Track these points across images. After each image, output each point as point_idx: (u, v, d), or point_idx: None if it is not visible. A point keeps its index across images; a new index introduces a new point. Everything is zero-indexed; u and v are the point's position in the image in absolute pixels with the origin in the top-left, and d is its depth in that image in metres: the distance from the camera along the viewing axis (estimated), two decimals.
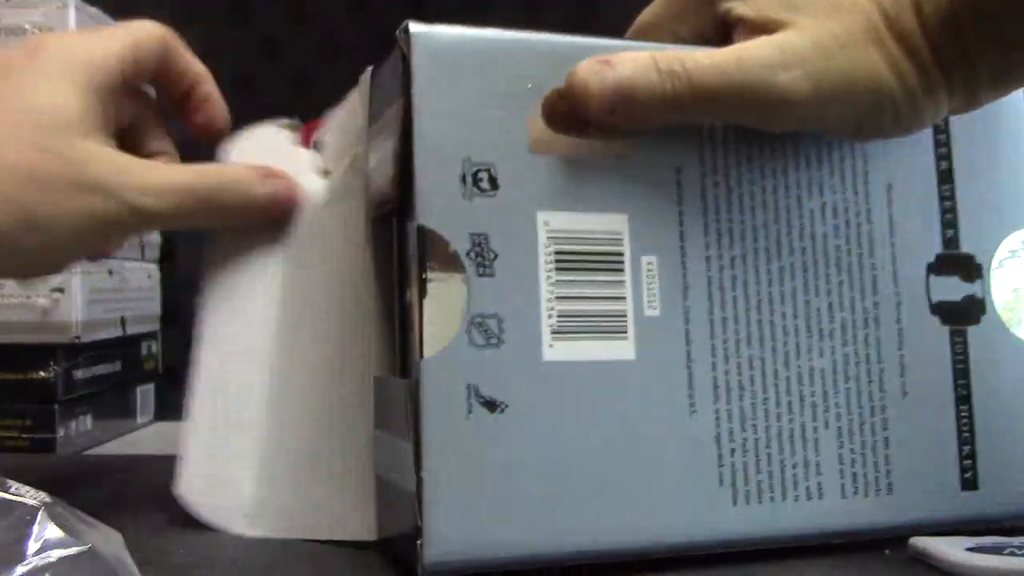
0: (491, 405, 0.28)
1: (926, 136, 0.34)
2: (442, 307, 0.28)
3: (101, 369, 0.57)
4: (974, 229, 0.34)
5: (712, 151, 0.31)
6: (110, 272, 0.55)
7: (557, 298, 0.29)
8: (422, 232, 0.28)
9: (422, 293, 0.27)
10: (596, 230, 0.29)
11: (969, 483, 0.33)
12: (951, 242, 0.33)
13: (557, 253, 0.29)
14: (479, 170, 0.28)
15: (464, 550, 0.27)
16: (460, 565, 0.27)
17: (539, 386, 0.28)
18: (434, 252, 0.28)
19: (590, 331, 0.29)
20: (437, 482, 0.27)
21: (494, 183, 0.28)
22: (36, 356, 0.52)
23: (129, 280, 0.58)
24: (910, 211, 0.33)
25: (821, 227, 0.32)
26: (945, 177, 0.34)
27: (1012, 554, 0.29)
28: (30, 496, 0.26)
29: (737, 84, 0.28)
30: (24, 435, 0.53)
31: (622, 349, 0.29)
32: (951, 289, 0.33)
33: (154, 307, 0.64)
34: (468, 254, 0.28)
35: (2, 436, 0.53)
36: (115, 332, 0.57)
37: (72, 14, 0.51)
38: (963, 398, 0.33)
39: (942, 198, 0.34)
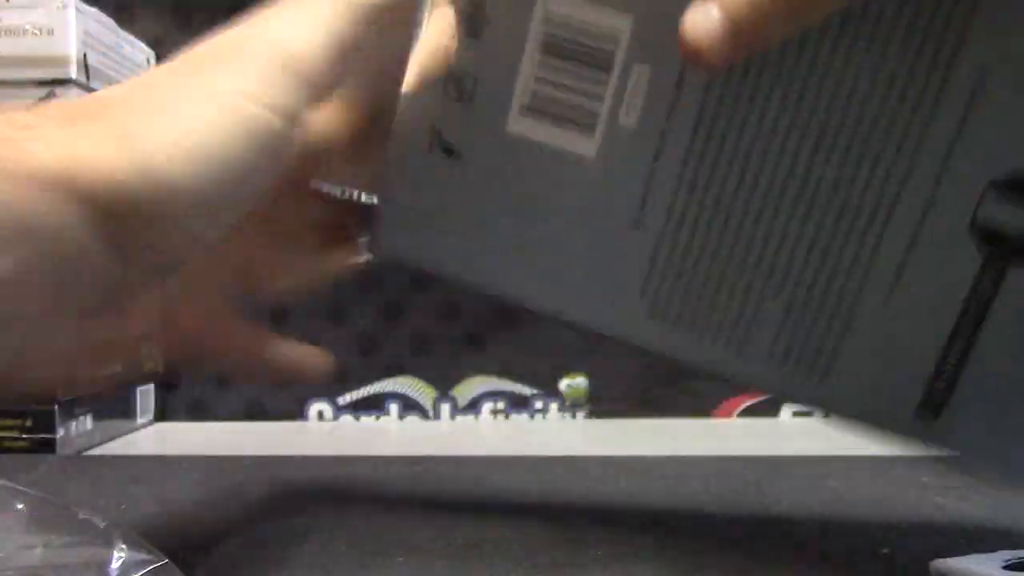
0: (448, 151, 0.30)
1: None
2: (428, 54, 0.30)
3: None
4: None
5: None
6: None
7: (536, 78, 0.29)
8: None
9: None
10: (595, 23, 0.28)
11: (929, 408, 0.30)
12: None
13: (547, 34, 0.29)
14: None
15: (404, 247, 0.32)
16: (400, 255, 0.32)
17: (495, 151, 0.30)
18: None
19: (558, 118, 0.29)
20: (395, 185, 0.31)
21: None
22: None
23: None
24: (998, 107, 0.26)
25: (865, 88, 0.27)
26: None
27: None
28: (98, 520, 0.26)
29: None
30: (24, 435, 0.53)
31: (584, 145, 0.29)
32: (1009, 216, 0.27)
33: None
34: (462, 12, 0.29)
35: (2, 436, 0.53)
36: None
37: (72, 14, 0.51)
38: (965, 329, 0.28)
39: None
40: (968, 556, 0.28)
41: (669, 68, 0.28)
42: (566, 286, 0.31)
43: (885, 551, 0.32)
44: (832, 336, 0.29)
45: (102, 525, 0.26)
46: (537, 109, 0.29)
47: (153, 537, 0.34)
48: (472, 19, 0.29)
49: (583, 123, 0.29)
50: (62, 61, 0.51)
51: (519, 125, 0.29)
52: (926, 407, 0.30)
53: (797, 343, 0.29)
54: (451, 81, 0.30)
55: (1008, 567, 0.27)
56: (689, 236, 0.29)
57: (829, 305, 0.29)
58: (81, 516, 0.27)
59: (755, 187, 0.28)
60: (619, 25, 0.28)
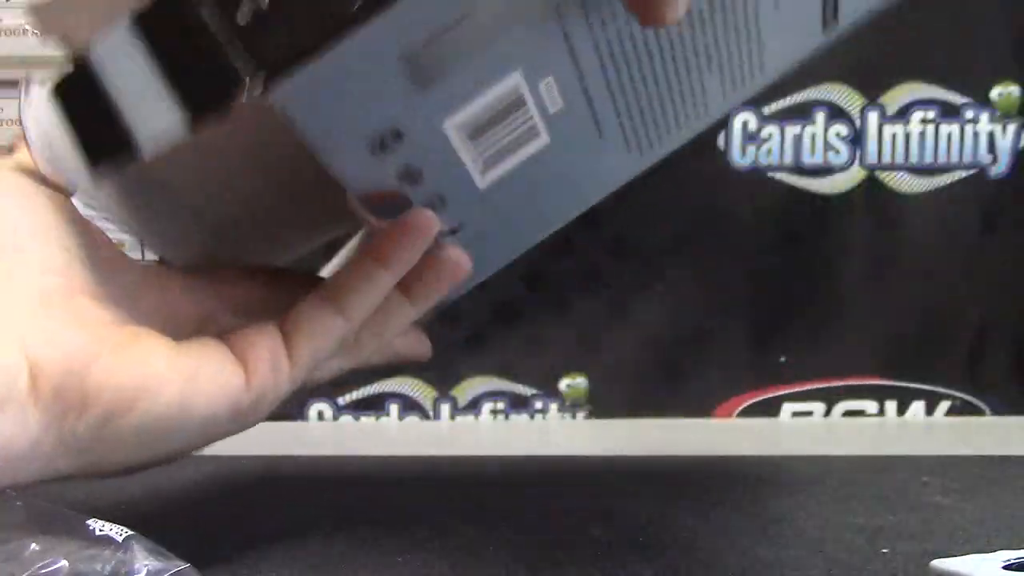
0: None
1: None
2: None
3: None
4: None
5: None
6: None
7: (479, 152, 0.32)
8: None
9: None
10: (494, 98, 0.31)
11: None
12: None
13: (466, 131, 0.31)
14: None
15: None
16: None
17: (481, 206, 0.33)
18: None
19: (511, 150, 0.32)
20: None
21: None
22: None
23: None
24: None
25: None
26: None
27: None
28: (115, 531, 0.27)
29: None
30: None
31: (539, 142, 0.33)
32: None
33: None
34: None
35: None
36: None
37: None
38: None
39: None
40: (968, 556, 0.28)
41: (563, 63, 0.31)
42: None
43: (885, 551, 0.32)
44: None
45: (121, 537, 0.27)
46: (492, 162, 0.32)
47: (153, 537, 0.34)
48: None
49: (530, 135, 0.32)
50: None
51: (486, 179, 0.32)
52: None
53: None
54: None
55: (1008, 567, 0.27)
56: (625, 105, 0.34)
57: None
58: (97, 527, 0.27)
59: (644, 64, 0.33)
60: (511, 82, 0.31)
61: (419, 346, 0.38)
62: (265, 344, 0.30)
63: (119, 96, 0.28)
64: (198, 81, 0.27)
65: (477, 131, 0.31)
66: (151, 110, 0.28)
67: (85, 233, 0.29)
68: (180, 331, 0.30)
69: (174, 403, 0.27)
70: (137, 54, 0.28)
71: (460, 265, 0.34)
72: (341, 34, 0.27)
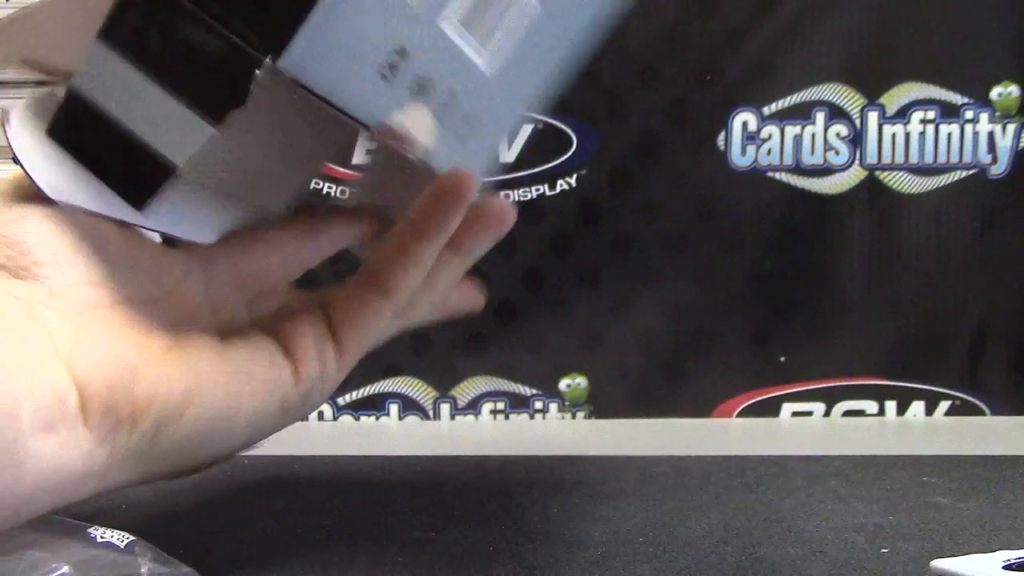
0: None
1: None
2: None
3: None
4: None
5: None
6: None
7: (482, 43, 0.31)
8: None
9: None
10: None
11: None
12: None
13: (467, 27, 0.30)
14: None
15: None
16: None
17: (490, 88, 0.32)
18: None
19: (508, 28, 0.31)
20: None
21: None
22: None
23: None
24: None
25: None
26: None
27: None
28: (117, 538, 0.27)
29: None
30: None
31: (531, 11, 0.32)
32: None
33: None
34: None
35: None
36: None
37: None
38: None
39: None
40: (968, 556, 0.28)
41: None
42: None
43: (885, 551, 0.32)
44: None
45: (123, 544, 0.27)
46: (493, 44, 0.31)
47: (153, 537, 0.34)
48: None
49: (521, 5, 0.31)
50: None
51: (491, 63, 0.31)
52: None
53: None
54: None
55: (1008, 567, 0.27)
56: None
57: None
58: (99, 534, 0.27)
59: None
60: None
61: (473, 297, 0.37)
62: (312, 335, 0.29)
63: (131, 122, 0.27)
64: (206, 79, 0.26)
65: (471, 18, 0.30)
66: (169, 125, 0.27)
67: (111, 236, 0.28)
68: (219, 316, 0.30)
69: (223, 406, 0.27)
70: (130, 71, 0.26)
71: (506, 213, 0.33)
72: None
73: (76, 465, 0.25)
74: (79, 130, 0.27)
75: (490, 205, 0.32)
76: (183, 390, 0.26)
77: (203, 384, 0.27)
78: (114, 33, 0.26)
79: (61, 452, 0.24)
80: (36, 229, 0.27)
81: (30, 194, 0.27)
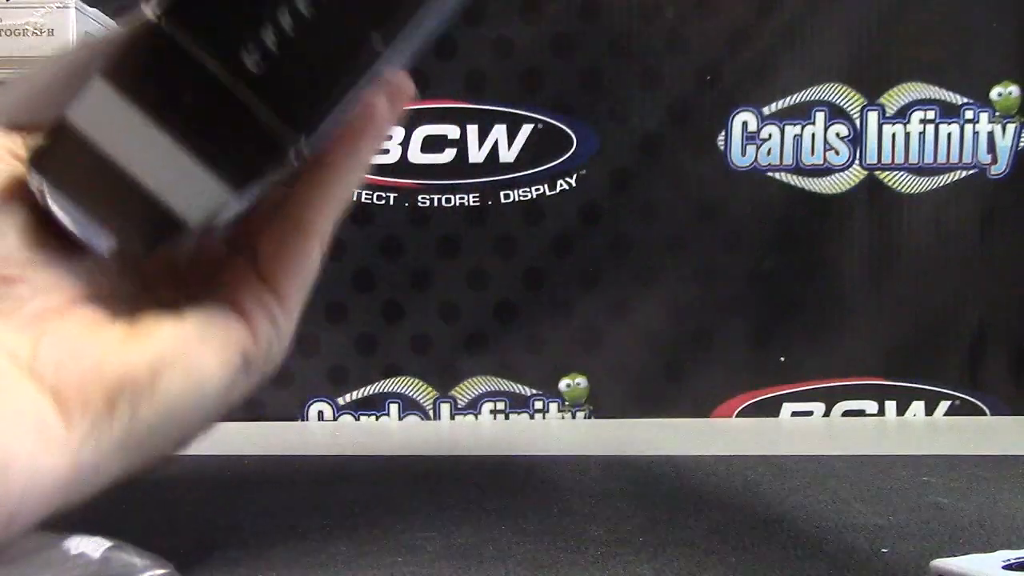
0: None
1: None
2: None
3: None
4: None
5: None
6: None
7: None
8: None
9: None
10: None
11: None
12: None
13: None
14: None
15: None
16: None
17: None
18: None
19: None
20: None
21: None
22: None
23: None
24: None
25: None
26: None
27: None
28: (92, 547, 0.26)
29: None
30: None
31: None
32: None
33: None
34: None
35: None
36: None
37: (72, 14, 0.51)
38: None
39: None
40: (968, 556, 0.28)
41: None
42: None
43: (885, 551, 0.32)
44: None
45: (97, 554, 0.27)
46: None
47: (154, 537, 0.34)
48: None
49: None
50: None
51: None
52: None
53: None
54: None
55: (1008, 567, 0.27)
56: None
57: None
58: (73, 545, 0.27)
59: None
60: None
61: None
62: (251, 293, 0.29)
63: (134, 168, 0.26)
64: (232, 146, 0.26)
65: None
66: (181, 181, 0.26)
67: (50, 243, 0.28)
68: (160, 292, 0.30)
69: (190, 372, 0.27)
70: (143, 125, 0.26)
71: (403, 90, 0.30)
72: (358, 67, 0.25)
73: (63, 469, 0.25)
74: (70, 164, 0.26)
75: (386, 96, 0.30)
76: (147, 365, 0.26)
77: (166, 355, 0.27)
78: (120, 73, 0.25)
79: (46, 459, 0.25)
80: None
81: None
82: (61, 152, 0.26)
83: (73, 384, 0.26)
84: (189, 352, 0.27)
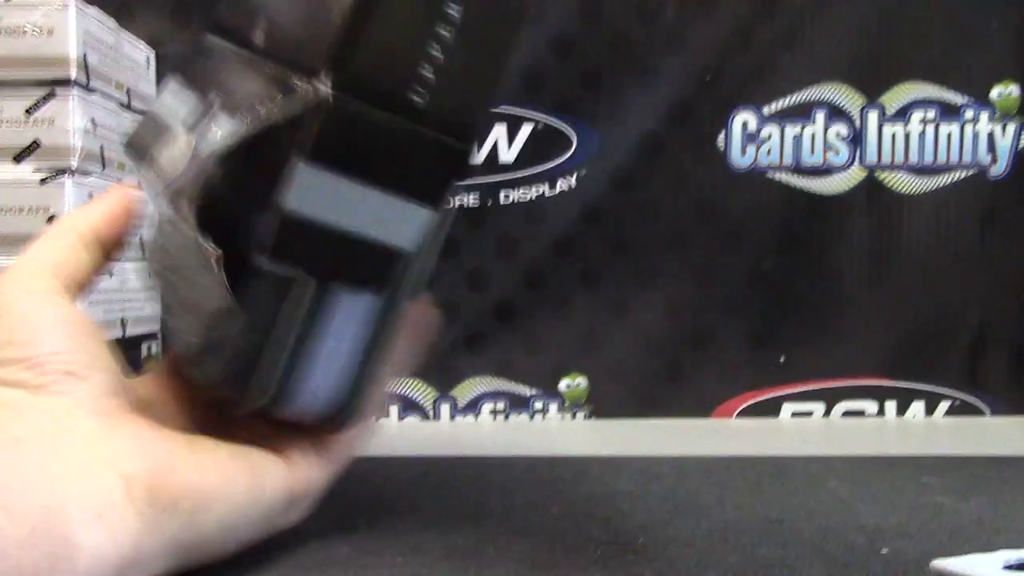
0: None
1: None
2: None
3: None
4: None
5: None
6: (110, 274, 0.55)
7: None
8: None
9: None
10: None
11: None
12: None
13: None
14: None
15: None
16: None
17: None
18: None
19: None
20: None
21: None
22: None
23: (129, 281, 0.58)
24: None
25: None
26: None
27: None
28: None
29: None
30: None
31: None
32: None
33: (154, 307, 0.63)
34: None
35: None
36: (116, 333, 0.57)
37: (72, 14, 0.51)
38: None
39: None
40: (968, 556, 0.28)
41: None
42: None
43: (885, 551, 0.32)
44: None
45: None
46: None
47: None
48: None
49: None
50: (62, 61, 0.51)
51: None
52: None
53: None
54: None
55: (1008, 567, 0.27)
56: None
57: None
58: None
59: None
60: None
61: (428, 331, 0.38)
62: (296, 444, 0.33)
63: (351, 224, 0.29)
64: (421, 174, 0.29)
65: None
66: (403, 224, 0.30)
67: (111, 353, 0.30)
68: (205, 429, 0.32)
69: (246, 495, 0.30)
70: (341, 182, 0.28)
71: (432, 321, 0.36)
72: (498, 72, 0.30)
73: (126, 551, 0.26)
74: (302, 245, 0.29)
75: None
76: (215, 481, 0.29)
77: (228, 474, 0.30)
78: (320, 153, 0.28)
79: (111, 541, 0.26)
80: (53, 348, 0.29)
81: (40, 303, 0.29)
82: (287, 237, 0.29)
83: (145, 473, 0.27)
84: (244, 480, 0.30)
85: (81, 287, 0.31)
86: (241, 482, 0.30)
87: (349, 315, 0.31)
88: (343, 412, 0.33)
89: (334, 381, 0.32)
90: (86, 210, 0.33)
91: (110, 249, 0.33)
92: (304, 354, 0.31)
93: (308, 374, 0.31)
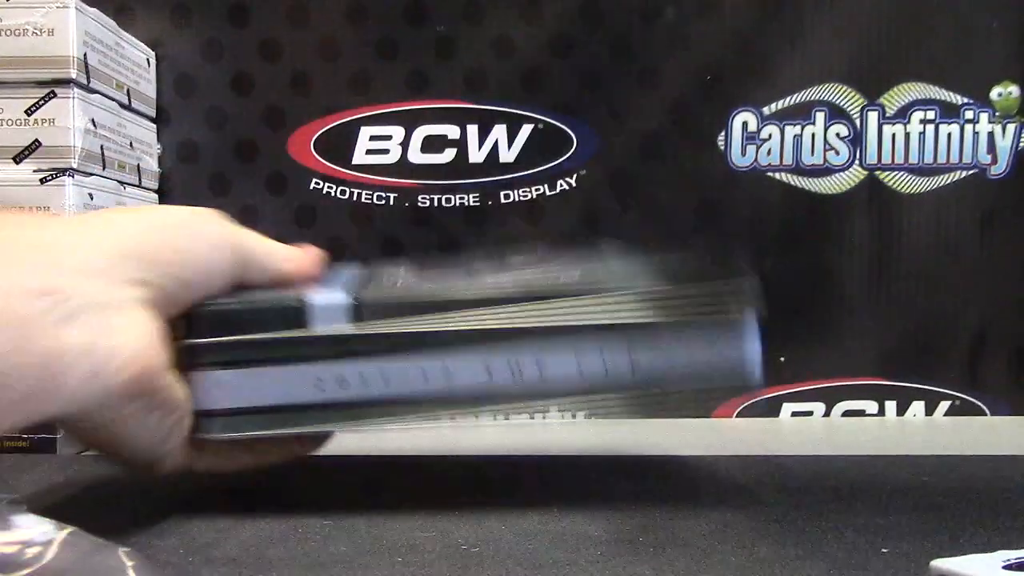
0: None
1: None
2: None
3: None
4: None
5: None
6: None
7: None
8: None
9: None
10: None
11: None
12: None
13: None
14: None
15: None
16: None
17: None
18: None
19: None
20: None
21: None
22: None
23: None
24: None
25: None
26: None
27: None
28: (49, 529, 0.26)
29: None
30: (24, 435, 0.53)
31: None
32: None
33: None
34: None
35: (2, 436, 0.53)
36: None
37: (72, 14, 0.51)
38: None
39: None
40: (968, 556, 0.28)
41: None
42: None
43: (885, 551, 0.32)
44: None
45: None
46: None
47: (154, 536, 0.34)
48: None
49: None
50: (62, 61, 0.51)
51: None
52: None
53: None
54: None
55: (1008, 567, 0.27)
56: None
57: None
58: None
59: None
60: None
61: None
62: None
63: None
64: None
65: None
66: None
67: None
68: None
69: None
70: None
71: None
72: None
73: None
74: None
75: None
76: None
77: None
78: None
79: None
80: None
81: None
82: None
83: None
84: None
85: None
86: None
87: None
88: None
89: None
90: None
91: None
92: None
93: None
